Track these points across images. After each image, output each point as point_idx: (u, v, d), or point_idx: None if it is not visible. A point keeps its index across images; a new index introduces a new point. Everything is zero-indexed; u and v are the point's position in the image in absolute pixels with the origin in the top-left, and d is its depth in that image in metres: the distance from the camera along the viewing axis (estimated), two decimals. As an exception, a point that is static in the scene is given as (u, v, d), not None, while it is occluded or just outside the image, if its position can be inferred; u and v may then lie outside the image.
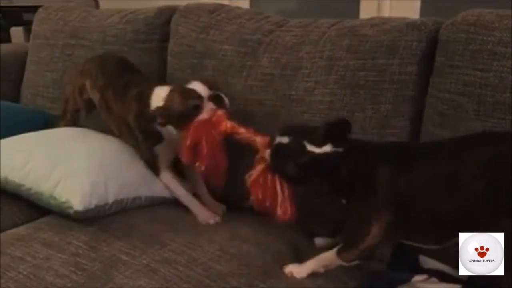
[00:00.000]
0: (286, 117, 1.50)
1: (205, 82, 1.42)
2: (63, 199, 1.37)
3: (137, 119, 1.52)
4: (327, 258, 1.20)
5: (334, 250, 1.19)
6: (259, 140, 1.28)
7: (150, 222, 1.42)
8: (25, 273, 1.17)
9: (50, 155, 1.49)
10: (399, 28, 1.40)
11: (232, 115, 1.36)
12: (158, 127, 1.45)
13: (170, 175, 1.54)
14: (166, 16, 1.88)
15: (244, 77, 1.61)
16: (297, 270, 1.21)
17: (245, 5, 2.70)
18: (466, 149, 1.10)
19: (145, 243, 1.29)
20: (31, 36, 2.25)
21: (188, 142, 1.33)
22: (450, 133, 1.27)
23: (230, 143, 1.36)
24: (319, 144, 1.16)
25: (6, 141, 1.60)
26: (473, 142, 1.12)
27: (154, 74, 1.81)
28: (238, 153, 1.34)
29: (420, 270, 1.24)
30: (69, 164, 1.44)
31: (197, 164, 1.34)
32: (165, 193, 1.54)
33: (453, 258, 1.06)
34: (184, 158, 1.35)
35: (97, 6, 2.83)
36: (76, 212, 1.34)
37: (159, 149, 1.50)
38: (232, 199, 1.55)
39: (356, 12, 2.41)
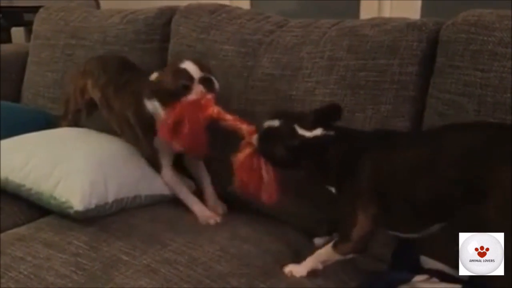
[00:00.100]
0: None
1: (197, 62, 1.42)
2: (63, 199, 1.37)
3: (136, 114, 1.52)
4: (324, 253, 1.20)
5: (330, 244, 1.19)
6: (245, 127, 1.28)
7: (150, 222, 1.42)
8: (25, 273, 1.18)
9: (50, 155, 1.50)
10: (400, 28, 1.40)
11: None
12: (145, 100, 1.45)
13: (172, 173, 1.53)
14: (167, 16, 1.88)
15: (245, 78, 1.61)
16: (297, 269, 1.21)
17: (246, 5, 2.70)
18: (442, 138, 1.11)
19: (145, 243, 1.29)
20: (32, 36, 2.25)
21: (170, 119, 1.33)
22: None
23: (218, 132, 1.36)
24: (310, 128, 1.16)
25: (6, 142, 1.60)
26: (449, 131, 1.13)
27: (154, 75, 1.81)
28: (224, 141, 1.34)
29: (421, 270, 1.24)
30: (69, 164, 1.44)
31: (174, 142, 1.34)
32: (165, 191, 1.53)
33: (453, 258, 1.06)
34: (161, 133, 1.35)
35: (97, 6, 2.83)
36: (76, 212, 1.34)
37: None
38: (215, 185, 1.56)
39: (356, 12, 2.41)
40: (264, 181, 1.23)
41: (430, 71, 1.36)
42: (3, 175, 1.49)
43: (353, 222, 1.14)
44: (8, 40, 2.94)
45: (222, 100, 1.39)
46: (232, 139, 1.30)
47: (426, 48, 1.36)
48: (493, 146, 1.04)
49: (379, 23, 1.46)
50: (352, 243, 1.15)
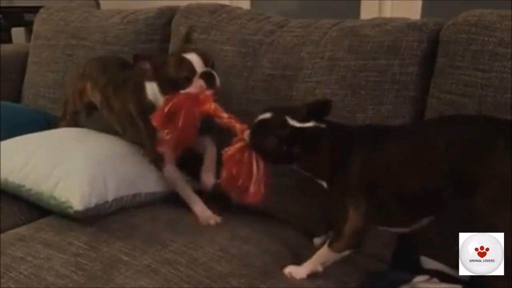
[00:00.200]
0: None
1: (201, 55, 1.41)
2: (63, 199, 1.37)
3: (137, 106, 1.52)
4: (322, 254, 1.20)
5: (326, 244, 1.19)
6: (239, 126, 1.28)
7: (150, 222, 1.42)
8: (26, 273, 1.18)
9: (50, 156, 1.50)
10: (400, 28, 1.40)
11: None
12: (146, 83, 1.46)
13: (175, 169, 1.52)
14: (167, 16, 1.88)
15: (245, 78, 1.61)
16: (296, 271, 1.21)
17: (246, 5, 2.69)
18: (432, 131, 1.12)
19: (145, 243, 1.29)
20: (32, 36, 2.25)
21: (166, 109, 1.33)
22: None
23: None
24: (301, 121, 1.16)
25: (5, 143, 1.60)
26: (439, 124, 1.14)
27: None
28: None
29: (421, 270, 1.24)
30: (68, 164, 1.44)
31: (166, 131, 1.34)
32: (165, 189, 1.53)
33: (453, 258, 1.06)
34: (155, 119, 1.35)
35: (98, 6, 2.83)
36: (76, 211, 1.34)
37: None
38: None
39: (357, 13, 2.41)
40: (253, 177, 1.22)
41: (431, 72, 1.36)
42: (3, 177, 1.50)
43: (345, 218, 1.14)
44: (9, 40, 2.94)
45: (223, 100, 1.39)
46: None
47: (427, 48, 1.36)
48: (485, 139, 1.04)
49: (379, 23, 1.46)
50: (345, 240, 1.16)
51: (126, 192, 1.44)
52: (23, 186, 1.46)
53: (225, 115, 1.32)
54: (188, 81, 1.37)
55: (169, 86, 1.39)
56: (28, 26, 2.59)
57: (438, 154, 1.06)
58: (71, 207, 1.35)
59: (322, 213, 1.34)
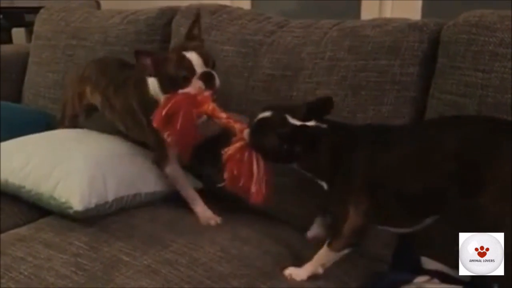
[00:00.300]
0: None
1: (202, 54, 1.40)
2: (63, 200, 1.37)
3: (140, 102, 1.51)
4: (322, 255, 1.20)
5: (325, 244, 1.19)
6: (238, 126, 1.28)
7: (151, 222, 1.42)
8: (26, 273, 1.18)
9: (50, 156, 1.50)
10: (401, 29, 1.40)
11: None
12: (148, 78, 1.45)
13: (177, 167, 1.51)
14: (168, 16, 1.88)
15: (246, 78, 1.61)
16: (297, 273, 1.21)
17: (247, 5, 2.69)
18: (436, 131, 1.11)
19: (146, 244, 1.29)
20: (33, 36, 2.25)
21: (164, 111, 1.32)
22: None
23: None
24: (302, 120, 1.16)
25: (6, 144, 1.60)
26: (442, 125, 1.14)
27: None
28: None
29: (421, 270, 1.24)
30: (68, 164, 1.44)
31: (167, 133, 1.34)
32: (165, 189, 1.53)
33: (453, 258, 1.06)
34: (155, 121, 1.35)
35: (98, 7, 2.83)
36: (76, 212, 1.34)
37: None
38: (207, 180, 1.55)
39: (357, 13, 2.40)
40: (254, 176, 1.22)
41: (431, 72, 1.36)
42: (3, 178, 1.50)
43: (344, 218, 1.14)
44: (9, 40, 2.94)
45: (223, 100, 1.39)
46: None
47: (427, 49, 1.36)
48: (491, 139, 1.04)
49: (380, 24, 1.46)
50: (344, 239, 1.16)
51: (126, 192, 1.44)
52: (23, 187, 1.46)
53: (223, 115, 1.32)
54: (186, 81, 1.36)
55: (169, 84, 1.38)
56: (29, 26, 2.59)
57: (445, 154, 1.06)
58: (71, 208, 1.35)
59: (321, 214, 1.34)
